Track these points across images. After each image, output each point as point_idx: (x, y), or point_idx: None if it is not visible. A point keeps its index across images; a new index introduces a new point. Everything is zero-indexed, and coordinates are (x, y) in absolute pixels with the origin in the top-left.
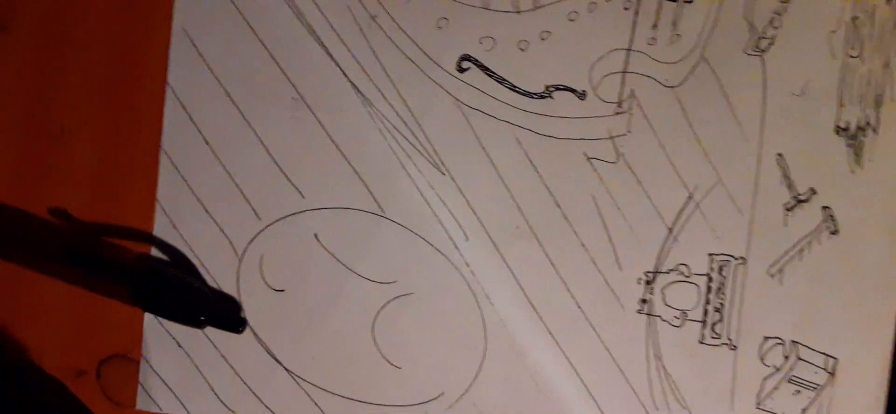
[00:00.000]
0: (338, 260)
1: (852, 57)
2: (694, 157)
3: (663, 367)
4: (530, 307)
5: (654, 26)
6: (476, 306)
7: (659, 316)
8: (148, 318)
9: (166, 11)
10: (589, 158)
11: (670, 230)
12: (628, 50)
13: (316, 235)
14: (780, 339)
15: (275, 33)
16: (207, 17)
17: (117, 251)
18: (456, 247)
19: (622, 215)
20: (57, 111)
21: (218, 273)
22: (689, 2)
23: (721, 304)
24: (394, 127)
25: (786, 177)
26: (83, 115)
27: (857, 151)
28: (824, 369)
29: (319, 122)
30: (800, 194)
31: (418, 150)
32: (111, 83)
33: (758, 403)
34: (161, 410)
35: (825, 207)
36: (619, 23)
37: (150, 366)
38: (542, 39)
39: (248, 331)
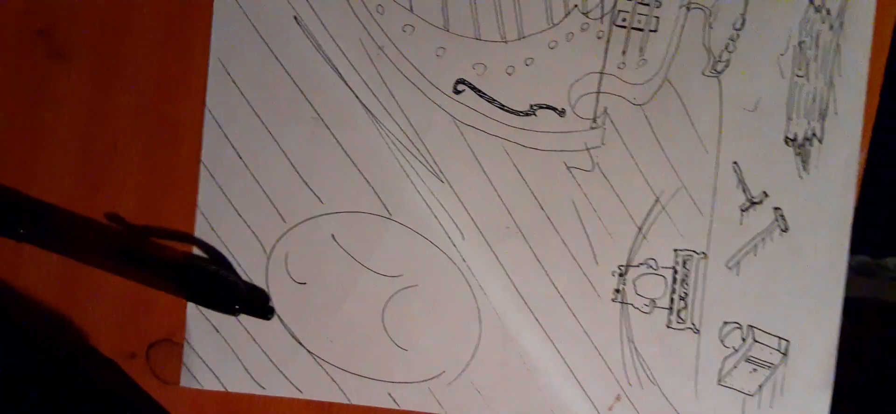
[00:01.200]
0: (352, 257)
1: (799, 76)
2: (660, 166)
3: (635, 348)
4: (519, 297)
5: (624, 52)
6: (472, 296)
7: (631, 304)
8: (190, 307)
9: (205, 45)
10: (568, 167)
11: (640, 229)
12: (601, 73)
13: (333, 236)
14: (737, 323)
15: (296, 63)
16: (240, 49)
17: (163, 250)
18: (454, 245)
19: (598, 216)
20: (111, 130)
21: (250, 268)
22: (654, 31)
23: (685, 293)
24: (399, 141)
25: (741, 182)
26: (134, 133)
27: (804, 159)
28: (778, 350)
29: (335, 138)
30: (754, 197)
31: (420, 161)
32: (158, 106)
33: (719, 381)
34: (202, 386)
35: (776, 208)
36: (593, 50)
37: (192, 348)
38: (527, 65)
39: (275, 318)
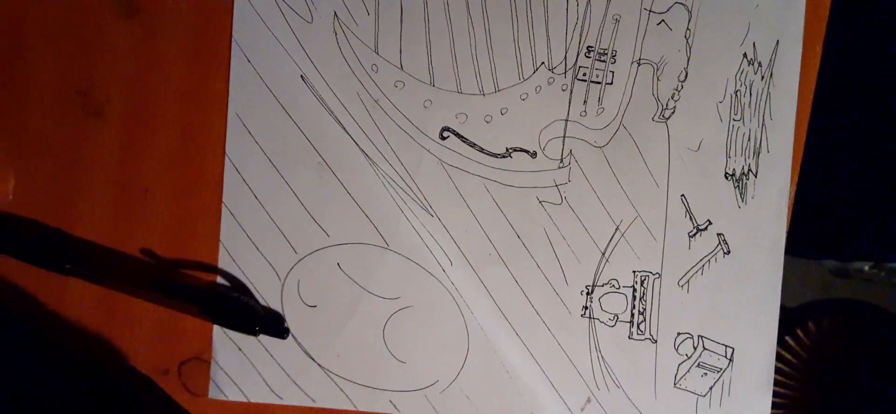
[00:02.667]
0: (355, 282)
1: (736, 120)
2: (619, 199)
3: (602, 357)
4: (501, 315)
5: (585, 102)
6: (460, 315)
7: (597, 319)
8: (216, 328)
9: (223, 101)
10: (540, 201)
11: (603, 254)
12: (566, 120)
13: (338, 264)
14: (689, 334)
15: (304, 115)
16: (254, 104)
17: (191, 279)
18: (443, 270)
19: (567, 243)
20: (143, 177)
21: (267, 294)
22: (610, 83)
23: (643, 308)
24: (393, 181)
25: (688, 212)
26: (163, 179)
27: (741, 191)
28: (725, 356)
29: (338, 180)
30: (699, 225)
31: (412, 198)
32: (183, 155)
33: (675, 384)
34: (227, 398)
35: (719, 234)
36: (558, 100)
37: (218, 365)
38: (502, 114)
39: (290, 337)
